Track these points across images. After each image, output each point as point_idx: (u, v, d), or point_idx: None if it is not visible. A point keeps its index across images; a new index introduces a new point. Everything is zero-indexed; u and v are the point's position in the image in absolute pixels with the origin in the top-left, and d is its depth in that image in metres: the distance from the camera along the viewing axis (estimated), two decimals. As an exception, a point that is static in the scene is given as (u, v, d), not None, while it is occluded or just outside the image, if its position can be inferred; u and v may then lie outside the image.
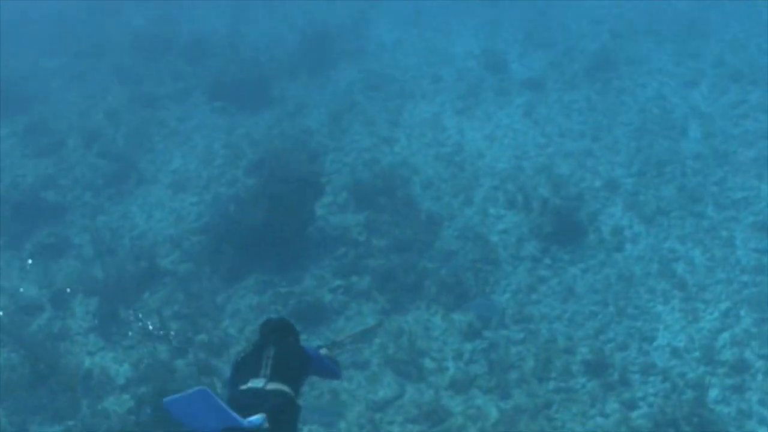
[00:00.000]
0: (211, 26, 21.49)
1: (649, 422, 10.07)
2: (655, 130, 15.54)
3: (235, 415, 6.11)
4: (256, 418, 6.21)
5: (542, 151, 15.40)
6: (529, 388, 10.72)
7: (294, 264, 13.10)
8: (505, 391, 10.71)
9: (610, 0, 20.72)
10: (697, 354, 10.95)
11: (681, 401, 10.24)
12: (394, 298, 12.38)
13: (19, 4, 24.07)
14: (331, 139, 16.35)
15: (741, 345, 10.96)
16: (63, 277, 13.46)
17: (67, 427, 10.70)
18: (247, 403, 6.45)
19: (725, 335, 11.18)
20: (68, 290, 13.07)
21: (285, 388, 6.68)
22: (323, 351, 7.53)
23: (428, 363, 11.32)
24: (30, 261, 13.98)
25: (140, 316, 12.23)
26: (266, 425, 6.28)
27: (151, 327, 12.03)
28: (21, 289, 13.26)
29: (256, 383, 6.62)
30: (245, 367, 6.88)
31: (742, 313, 11.51)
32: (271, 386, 6.61)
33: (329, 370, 7.49)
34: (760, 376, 10.49)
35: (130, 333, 12.12)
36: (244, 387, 6.66)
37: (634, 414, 10.23)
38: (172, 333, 11.95)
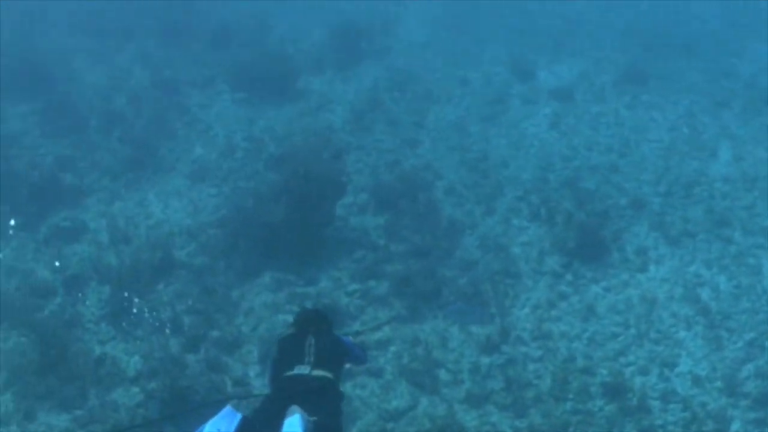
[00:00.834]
0: (238, 15, 21.24)
1: (667, 452, 9.90)
2: (684, 149, 15.30)
3: None
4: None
5: (568, 164, 15.17)
6: (546, 408, 10.51)
7: (311, 264, 12.90)
8: (522, 410, 10.51)
9: (643, 13, 20.44)
10: (719, 384, 10.74)
11: (701, 432, 10.06)
12: (411, 305, 12.16)
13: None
14: (354, 137, 16.15)
15: (765, 378, 10.73)
16: (77, 262, 13.27)
17: (74, 417, 10.48)
18: (295, 387, 6.90)
19: (749, 366, 10.95)
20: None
21: (329, 374, 7.12)
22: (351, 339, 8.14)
23: (444, 375, 11.12)
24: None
25: (151, 311, 12.09)
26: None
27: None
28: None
29: (302, 369, 7.07)
30: (288, 354, 7.30)
31: (768, 344, 11.31)
32: (316, 372, 7.06)
33: (360, 357, 8.06)
34: (784, 411, 10.30)
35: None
36: (290, 373, 7.08)
37: (653, 442, 10.05)
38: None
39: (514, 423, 10.32)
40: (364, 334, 8.43)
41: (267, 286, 12.64)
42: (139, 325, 11.99)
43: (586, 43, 19.28)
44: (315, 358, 7.23)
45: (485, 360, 11.33)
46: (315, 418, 6.73)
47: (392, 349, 11.49)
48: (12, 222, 13.83)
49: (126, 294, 12.34)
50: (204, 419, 6.49)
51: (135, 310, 12.19)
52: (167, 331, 11.80)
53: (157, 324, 11.93)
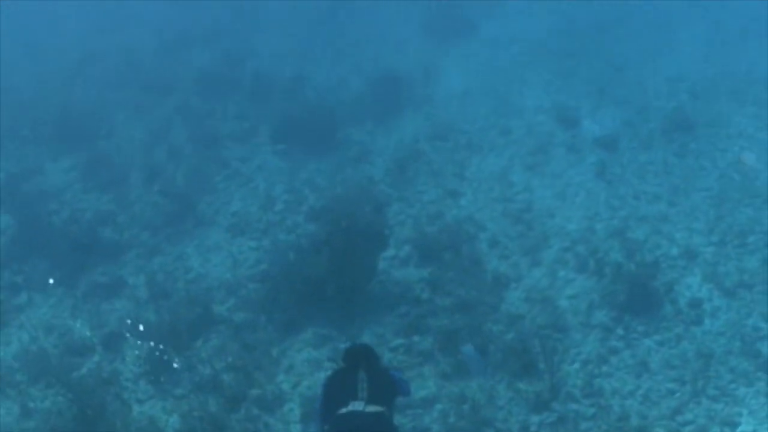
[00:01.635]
0: (276, 66, 21.26)
1: None
2: (737, 197, 14.77)
3: None
4: None
5: (615, 214, 14.73)
6: (601, 471, 10.04)
7: (354, 319, 12.58)
8: (575, 472, 10.04)
9: (690, 59, 20.08)
10: (784, 445, 10.18)
11: (767, 497, 9.49)
12: (457, 361, 11.77)
13: (87, 39, 24.31)
14: (395, 189, 15.88)
15: (834, 439, 10.16)
16: (115, 319, 13.10)
17: (111, 479, 10.28)
18: (351, 424, 7.10)
19: (816, 426, 10.38)
20: (125, 328, 12.70)
21: (382, 409, 7.31)
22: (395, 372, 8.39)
23: (492, 435, 10.70)
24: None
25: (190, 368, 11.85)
26: None
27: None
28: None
29: (357, 406, 7.26)
30: (340, 390, 7.48)
31: (834, 403, 10.72)
32: (370, 408, 7.24)
33: (406, 390, 8.32)
34: None
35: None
36: (345, 410, 7.26)
37: None
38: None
39: (568, 487, 9.86)
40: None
41: (309, 341, 12.34)
42: (179, 383, 11.75)
43: (631, 90, 18.88)
44: (368, 393, 7.36)
45: (535, 418, 10.87)
46: None
47: (438, 407, 11.09)
48: (51, 281, 13.75)
49: (164, 351, 12.14)
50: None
51: (174, 368, 11.96)
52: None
53: (197, 381, 11.69)
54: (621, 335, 12.21)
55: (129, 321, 12.70)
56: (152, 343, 12.13)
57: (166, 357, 12.06)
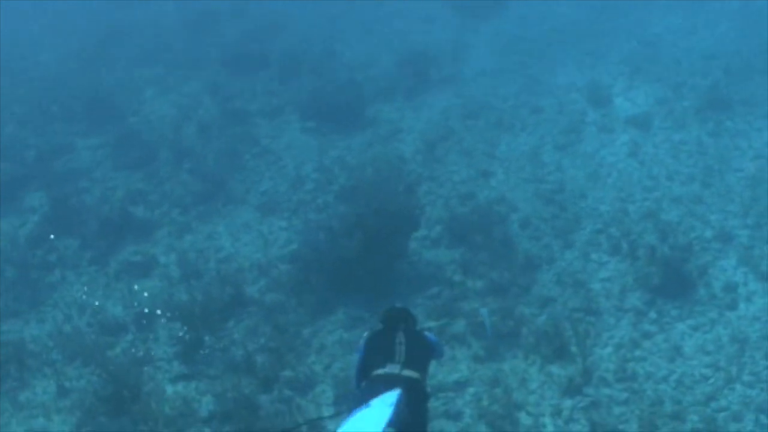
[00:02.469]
0: (305, 43, 21.14)
1: (768, 507, 9.29)
2: (773, 179, 14.58)
3: None
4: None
5: (649, 195, 14.57)
6: (635, 457, 9.99)
7: (385, 300, 12.48)
8: (608, 458, 9.99)
9: (724, 35, 19.77)
10: (821, 432, 10.08)
11: (804, 486, 9.42)
12: (489, 344, 11.73)
13: (115, 14, 24.24)
14: (426, 168, 15.78)
15: None
16: (148, 298, 13.15)
17: (147, 459, 10.36)
18: (386, 386, 7.11)
19: None
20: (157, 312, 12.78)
21: (416, 374, 7.36)
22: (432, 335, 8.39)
23: (524, 418, 10.62)
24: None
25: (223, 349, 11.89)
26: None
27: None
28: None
29: (393, 369, 7.31)
30: (378, 351, 7.53)
31: None
32: (406, 372, 7.30)
33: (440, 353, 8.34)
34: None
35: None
36: (381, 371, 7.33)
37: (751, 496, 9.44)
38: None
39: (601, 473, 9.82)
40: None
41: (340, 323, 12.35)
42: (212, 364, 11.80)
43: (664, 68, 18.61)
44: (405, 357, 7.44)
45: (567, 403, 10.80)
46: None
47: (471, 390, 11.06)
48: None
49: (197, 330, 12.19)
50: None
51: (207, 348, 12.01)
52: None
53: (229, 362, 11.73)
54: (654, 319, 12.10)
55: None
56: (185, 326, 12.18)
57: (198, 337, 12.11)
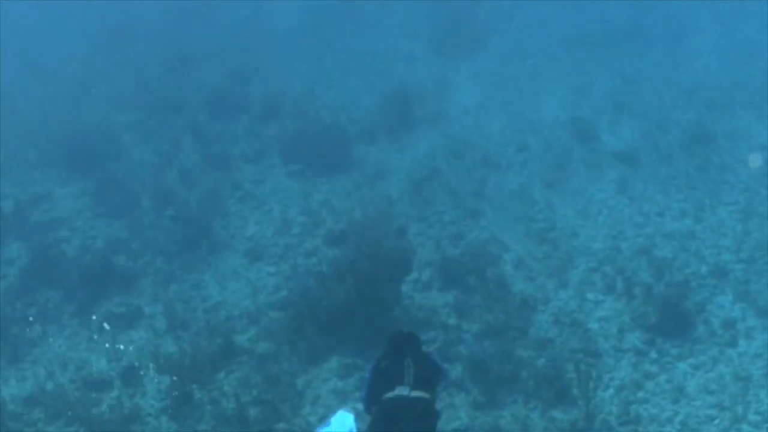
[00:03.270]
0: (285, 85, 20.93)
1: None
2: (764, 211, 14.48)
3: None
4: None
5: (640, 231, 14.44)
6: (644, 505, 9.70)
7: (380, 346, 12.18)
8: (617, 507, 9.70)
9: (704, 70, 19.83)
10: (832, 474, 9.85)
11: None
12: (488, 390, 11.44)
13: (92, 57, 23.94)
14: (414, 208, 15.54)
15: None
16: (134, 351, 12.73)
17: None
18: (396, 409, 7.39)
19: None
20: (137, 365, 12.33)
21: (426, 395, 7.61)
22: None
23: (529, 468, 10.36)
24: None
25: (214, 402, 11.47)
26: None
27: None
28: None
29: (402, 390, 7.55)
30: (387, 376, 7.74)
31: None
32: (415, 393, 7.54)
33: (448, 377, 8.58)
34: None
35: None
36: (391, 394, 7.55)
37: None
38: None
39: None
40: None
41: (334, 371, 11.99)
42: (202, 419, 11.40)
43: (647, 103, 18.60)
44: (414, 379, 7.65)
45: (572, 449, 10.56)
46: None
47: (473, 438, 10.78)
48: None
49: (186, 384, 11.79)
50: None
51: (197, 402, 11.61)
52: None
53: (221, 416, 11.34)
54: (655, 359, 11.91)
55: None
56: (174, 378, 11.75)
57: (187, 390, 11.71)
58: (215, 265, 14.71)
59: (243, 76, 21.77)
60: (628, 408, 11.11)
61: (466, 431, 10.91)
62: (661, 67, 20.33)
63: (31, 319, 13.52)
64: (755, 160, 15.86)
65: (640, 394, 11.35)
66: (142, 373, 12.13)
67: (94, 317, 13.41)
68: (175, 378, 11.72)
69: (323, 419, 11.17)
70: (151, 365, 12.08)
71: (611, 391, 11.42)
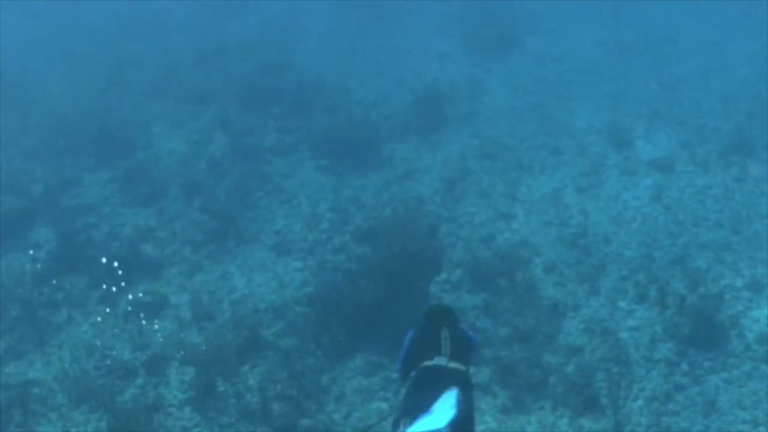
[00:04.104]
0: (318, 80, 20.78)
1: None
2: (801, 226, 14.22)
3: None
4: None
5: (675, 241, 14.18)
6: None
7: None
8: None
9: (743, 78, 19.51)
10: None
11: None
12: (516, 395, 11.26)
13: (124, 47, 23.91)
14: (445, 209, 15.35)
15: None
16: (159, 341, 12.65)
17: None
18: (436, 376, 7.49)
19: None
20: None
21: (462, 366, 7.70)
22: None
23: (555, 476, 10.17)
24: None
25: (238, 396, 11.33)
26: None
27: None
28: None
29: (441, 361, 7.65)
30: (425, 345, 7.87)
31: None
32: (452, 365, 7.63)
33: (479, 350, 8.56)
34: None
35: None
36: (429, 363, 7.66)
37: None
38: None
39: None
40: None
41: (359, 370, 11.87)
42: (225, 411, 11.29)
43: (685, 111, 18.31)
44: (451, 350, 7.75)
45: (600, 459, 10.37)
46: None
47: (498, 445, 10.59)
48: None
49: (210, 376, 11.68)
50: None
51: (220, 395, 11.50)
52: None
53: (244, 410, 11.22)
54: (686, 371, 11.69)
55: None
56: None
57: (211, 382, 11.61)
58: (242, 257, 14.59)
59: (275, 69, 21.64)
60: (658, 420, 10.91)
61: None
62: (699, 73, 20.05)
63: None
64: (755, 169, 15.61)
65: (671, 406, 11.15)
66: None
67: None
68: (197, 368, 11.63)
69: (347, 417, 11.10)
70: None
71: (641, 402, 11.22)
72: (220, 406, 11.37)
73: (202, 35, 23.87)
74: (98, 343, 12.74)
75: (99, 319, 13.20)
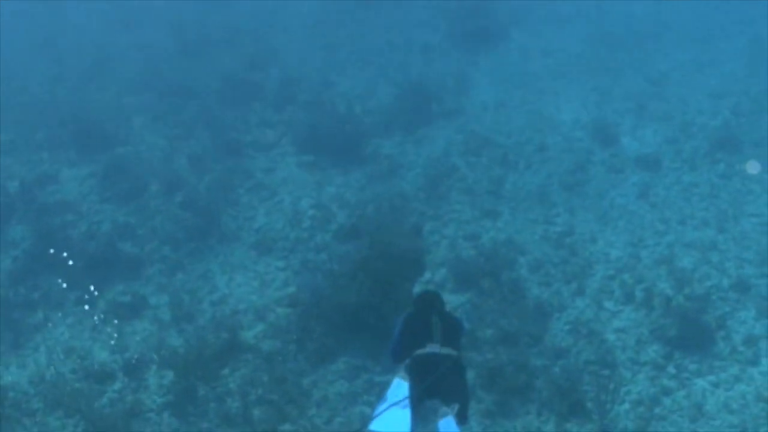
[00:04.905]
0: (301, 74, 20.51)
1: None
2: (789, 225, 14.08)
3: None
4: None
5: (661, 240, 14.03)
6: None
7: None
8: None
9: (731, 74, 19.36)
10: None
11: None
12: (501, 399, 11.08)
13: (105, 39, 23.55)
14: (429, 206, 15.14)
15: None
16: (137, 343, 12.40)
17: None
18: (429, 364, 7.82)
19: None
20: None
21: (453, 351, 8.06)
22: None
23: (541, 483, 10.01)
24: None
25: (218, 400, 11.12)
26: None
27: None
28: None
29: (433, 348, 8.01)
30: (417, 332, 8.19)
31: None
32: (444, 350, 8.00)
33: (465, 330, 9.04)
34: None
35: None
36: (422, 351, 8.01)
37: None
38: None
39: None
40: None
41: (342, 373, 11.65)
42: (205, 416, 11.06)
43: (671, 107, 18.15)
44: (442, 336, 8.08)
45: (586, 466, 10.21)
46: (456, 405, 7.85)
47: (483, 450, 10.42)
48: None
49: (190, 379, 11.45)
50: None
51: (200, 399, 11.27)
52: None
53: (224, 414, 11.00)
54: (673, 374, 11.54)
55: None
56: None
57: (191, 386, 11.38)
58: (223, 256, 14.35)
59: (257, 63, 21.34)
60: (644, 425, 10.76)
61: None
62: (687, 69, 19.88)
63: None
64: (753, 168, 15.51)
65: (657, 410, 11.00)
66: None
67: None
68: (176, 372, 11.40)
69: (329, 422, 10.90)
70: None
71: (627, 405, 11.06)
72: (200, 410, 11.14)
73: (185, 27, 23.48)
74: (76, 344, 12.49)
75: (76, 320, 12.93)
